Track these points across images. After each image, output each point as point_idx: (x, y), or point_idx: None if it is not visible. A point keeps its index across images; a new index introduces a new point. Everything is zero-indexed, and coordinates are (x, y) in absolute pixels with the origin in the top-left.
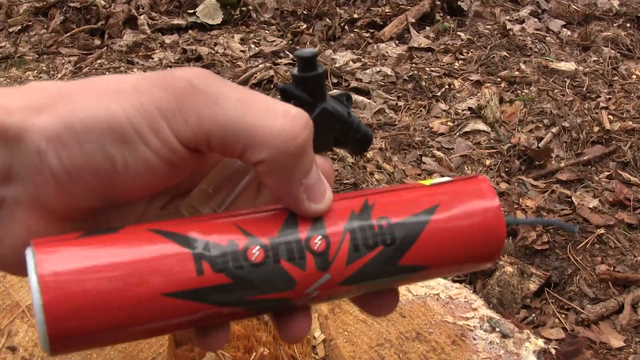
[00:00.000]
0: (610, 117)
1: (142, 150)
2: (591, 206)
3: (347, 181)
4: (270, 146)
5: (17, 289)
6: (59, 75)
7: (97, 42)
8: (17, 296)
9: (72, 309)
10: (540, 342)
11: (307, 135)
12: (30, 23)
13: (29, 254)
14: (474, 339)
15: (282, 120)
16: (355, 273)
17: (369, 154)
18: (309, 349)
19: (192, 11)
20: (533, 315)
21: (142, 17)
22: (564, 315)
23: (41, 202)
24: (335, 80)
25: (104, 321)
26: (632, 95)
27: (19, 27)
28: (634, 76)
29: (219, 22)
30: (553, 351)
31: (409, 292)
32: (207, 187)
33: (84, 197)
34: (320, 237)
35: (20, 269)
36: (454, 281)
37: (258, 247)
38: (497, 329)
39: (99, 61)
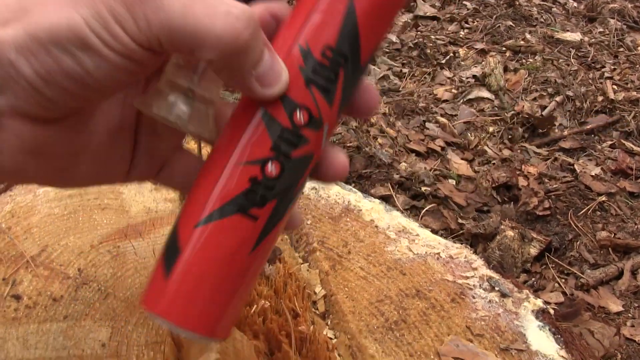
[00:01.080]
0: (615, 87)
1: (105, 52)
2: (593, 174)
3: (351, 144)
4: (215, 48)
5: (21, 240)
6: None
7: None
8: (21, 247)
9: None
10: (539, 302)
11: (249, 33)
12: None
13: (157, 319)
14: (474, 298)
15: (224, 21)
16: (340, 104)
17: (373, 119)
18: (310, 303)
19: None
20: (533, 279)
21: None
22: (563, 280)
23: (24, 109)
24: None
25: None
26: (637, 66)
27: None
28: None
29: None
30: (552, 311)
31: (410, 251)
32: (178, 61)
33: (61, 99)
34: (297, 111)
35: (19, 178)
36: (455, 241)
37: (270, 163)
38: (497, 288)
39: None
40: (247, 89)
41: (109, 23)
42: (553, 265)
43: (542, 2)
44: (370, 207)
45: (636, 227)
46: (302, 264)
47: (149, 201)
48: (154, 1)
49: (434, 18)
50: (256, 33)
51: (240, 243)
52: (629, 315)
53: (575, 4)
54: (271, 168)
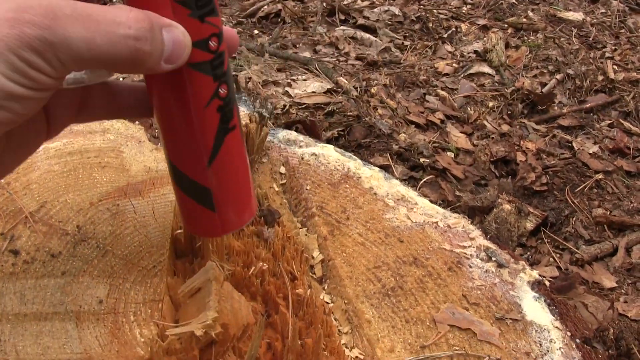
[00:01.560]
0: (615, 67)
1: (29, 94)
2: (591, 152)
3: (351, 113)
4: (123, 66)
5: (20, 195)
6: None
7: None
8: (20, 202)
9: None
10: (535, 274)
11: (150, 44)
12: None
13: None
14: (470, 267)
15: (125, 45)
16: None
17: (373, 89)
18: (307, 267)
19: None
20: (528, 253)
21: None
22: (558, 255)
23: None
24: (342, 17)
25: None
26: (638, 47)
27: None
28: None
29: None
30: (547, 283)
31: (408, 219)
32: None
33: None
34: (210, 43)
35: None
36: (453, 211)
37: (219, 89)
38: (493, 259)
39: None
40: (161, 71)
41: (26, 72)
42: (549, 240)
43: None
44: (370, 175)
45: (632, 205)
46: (300, 228)
47: (149, 160)
48: (60, 44)
49: None
50: (156, 37)
51: (240, 152)
52: (622, 291)
53: None
54: (222, 91)
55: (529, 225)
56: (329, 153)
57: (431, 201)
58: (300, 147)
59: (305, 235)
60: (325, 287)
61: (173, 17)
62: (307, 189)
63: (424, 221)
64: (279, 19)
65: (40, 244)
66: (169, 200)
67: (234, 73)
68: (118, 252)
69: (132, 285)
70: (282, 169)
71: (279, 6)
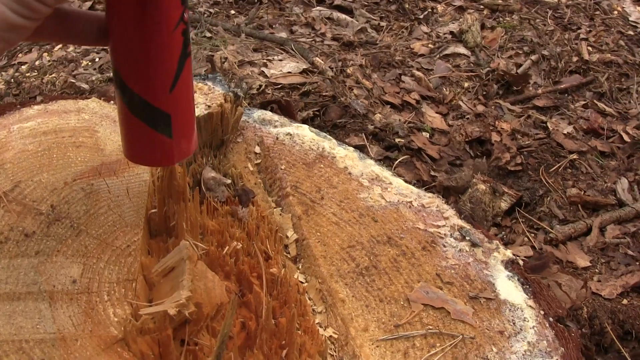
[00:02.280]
0: (590, 48)
1: (28, 25)
2: (565, 132)
3: (326, 93)
4: None
5: None
6: None
7: None
8: None
9: None
10: (509, 253)
11: None
12: None
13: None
14: (444, 246)
15: None
16: None
17: (349, 70)
18: (281, 247)
19: None
20: (503, 233)
21: None
22: (533, 235)
23: None
24: None
25: None
26: (612, 29)
27: None
28: (615, 12)
29: None
30: (521, 262)
31: (382, 198)
32: None
33: None
34: None
35: None
36: (428, 191)
37: (184, 14)
38: (467, 238)
39: None
40: None
41: (29, 2)
42: (523, 220)
43: None
44: (345, 155)
45: (606, 185)
46: (275, 208)
47: None
48: None
49: None
50: None
51: (192, 79)
52: (596, 270)
53: None
54: (186, 15)
55: (504, 205)
56: (304, 133)
57: (406, 181)
58: (275, 127)
59: (280, 214)
60: (300, 267)
61: None
62: (281, 169)
63: (398, 201)
64: (256, 0)
65: (14, 223)
66: (143, 180)
67: (210, 53)
68: (92, 231)
69: (106, 264)
70: (257, 149)
71: None
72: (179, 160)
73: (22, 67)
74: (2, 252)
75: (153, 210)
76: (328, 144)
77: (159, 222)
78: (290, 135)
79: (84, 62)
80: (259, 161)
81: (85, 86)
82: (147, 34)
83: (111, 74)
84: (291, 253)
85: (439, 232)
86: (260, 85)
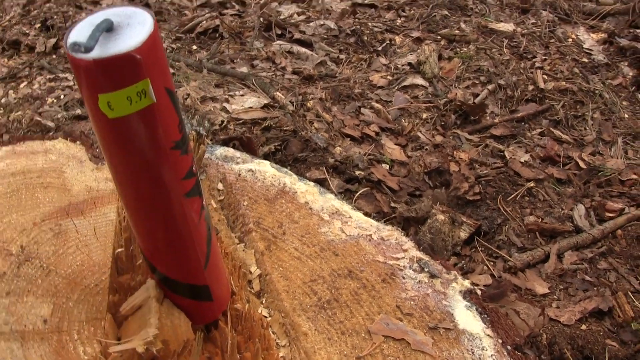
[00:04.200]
0: (545, 76)
1: None
2: (522, 160)
3: (287, 128)
4: None
5: None
6: (7, 17)
7: None
8: None
9: None
10: (467, 283)
11: None
12: None
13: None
14: (404, 278)
15: None
16: None
17: (309, 103)
18: (245, 282)
19: None
20: (463, 262)
21: None
22: (492, 263)
23: None
24: (279, 32)
25: None
26: (567, 57)
27: None
28: (570, 39)
29: None
30: (479, 292)
31: (343, 232)
32: None
33: None
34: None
35: None
36: (387, 224)
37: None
38: (426, 269)
39: (47, 5)
40: None
41: None
42: (482, 249)
43: None
44: (305, 190)
45: (563, 212)
46: (238, 244)
47: (90, 180)
48: None
49: (371, 6)
50: None
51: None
52: (555, 297)
53: None
54: (204, 202)
55: (463, 235)
56: (266, 169)
57: (366, 214)
58: (238, 163)
59: (243, 250)
60: (263, 301)
61: (172, 158)
62: (244, 205)
63: (358, 234)
64: (217, 35)
65: None
66: (109, 220)
67: None
68: (61, 271)
69: (76, 304)
70: (220, 186)
71: (217, 21)
72: (220, 312)
73: None
74: None
75: (120, 250)
76: (289, 179)
77: (125, 260)
78: (252, 171)
79: (49, 100)
80: (221, 198)
81: (51, 124)
82: (176, 233)
83: (77, 111)
84: (255, 288)
85: (398, 265)
86: (222, 121)
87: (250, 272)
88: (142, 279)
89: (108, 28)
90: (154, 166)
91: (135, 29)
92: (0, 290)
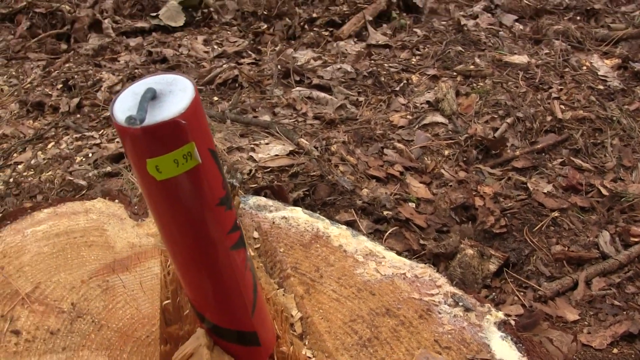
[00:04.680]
0: (562, 106)
1: None
2: (545, 191)
3: (314, 173)
4: None
5: (15, 278)
6: (29, 80)
7: (64, 46)
8: (15, 285)
9: None
10: (501, 314)
11: None
12: None
13: None
14: (440, 313)
15: None
16: None
17: (333, 147)
18: (288, 326)
19: (154, 14)
20: (493, 293)
21: (106, 20)
22: (522, 293)
23: None
24: (297, 78)
25: None
26: (583, 85)
27: None
28: (584, 67)
29: (182, 24)
30: (512, 322)
31: (378, 272)
32: None
33: None
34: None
35: None
36: (418, 262)
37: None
38: (460, 304)
39: (67, 65)
40: None
41: None
42: (512, 280)
43: (489, 26)
44: (338, 233)
45: (588, 239)
46: (277, 289)
47: (132, 236)
48: None
49: (386, 46)
50: None
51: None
52: (585, 323)
53: (521, 27)
54: (247, 254)
55: (492, 267)
56: (298, 215)
57: (398, 253)
58: (271, 211)
59: (283, 295)
60: (306, 343)
61: (218, 214)
62: (280, 252)
63: (392, 273)
64: (237, 84)
65: (39, 322)
66: (154, 273)
67: None
68: (112, 325)
69: (129, 355)
70: (255, 234)
71: (236, 71)
72: (268, 355)
73: (19, 166)
74: (32, 351)
75: (167, 301)
76: (322, 224)
77: (173, 312)
78: (286, 218)
79: (78, 158)
80: (258, 246)
81: (83, 182)
82: (224, 288)
83: (107, 169)
84: (297, 331)
85: (434, 300)
86: (251, 170)
87: (292, 316)
88: (190, 329)
89: (152, 97)
90: (201, 223)
91: (178, 95)
92: (57, 346)
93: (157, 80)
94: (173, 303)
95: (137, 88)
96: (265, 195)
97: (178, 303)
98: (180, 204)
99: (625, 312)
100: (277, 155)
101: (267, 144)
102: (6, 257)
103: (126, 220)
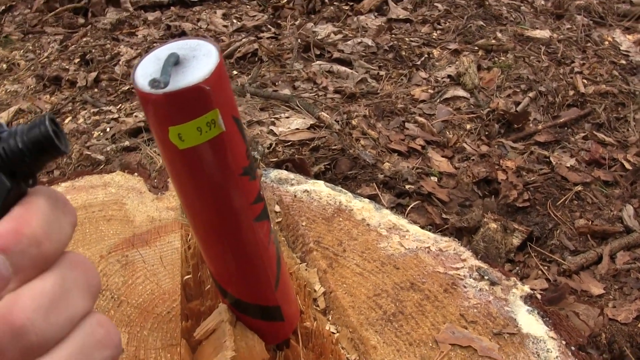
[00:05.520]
0: (585, 81)
1: None
2: (568, 165)
3: (335, 147)
4: None
5: None
6: (45, 54)
7: (81, 20)
8: None
9: None
10: (527, 288)
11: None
12: (13, 3)
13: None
14: (465, 287)
15: None
16: None
17: (354, 121)
18: (311, 301)
19: None
20: (517, 268)
21: None
22: (546, 267)
23: None
24: (317, 52)
25: None
26: (605, 60)
27: (3, 7)
28: (606, 42)
29: None
30: (539, 296)
31: (401, 246)
32: None
33: None
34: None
35: None
36: (442, 234)
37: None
38: (486, 277)
39: (84, 39)
40: None
41: None
42: (535, 254)
43: (511, 1)
44: (361, 207)
45: (612, 213)
46: (300, 263)
47: (151, 210)
48: None
49: (406, 20)
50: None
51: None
52: (610, 297)
53: (542, 2)
54: (270, 226)
55: (516, 241)
56: (320, 189)
57: (421, 227)
58: (292, 185)
59: (306, 269)
60: (330, 318)
61: (242, 184)
62: (302, 225)
63: (416, 247)
64: (256, 58)
65: None
66: (175, 248)
67: None
68: (132, 301)
69: (150, 332)
70: (277, 208)
71: (255, 45)
72: (292, 330)
73: None
74: None
75: (188, 276)
76: (344, 197)
77: (194, 287)
78: (308, 192)
79: (96, 133)
80: (280, 219)
81: (101, 157)
82: (248, 260)
83: (125, 143)
84: (320, 306)
85: (459, 274)
86: (271, 144)
87: (315, 291)
88: (211, 304)
89: (175, 62)
90: (225, 193)
91: (202, 60)
92: None
93: (180, 46)
94: (194, 278)
95: (160, 53)
96: (287, 169)
97: (199, 278)
98: (202, 173)
99: None
100: (297, 129)
101: (287, 117)
102: None
103: (145, 194)
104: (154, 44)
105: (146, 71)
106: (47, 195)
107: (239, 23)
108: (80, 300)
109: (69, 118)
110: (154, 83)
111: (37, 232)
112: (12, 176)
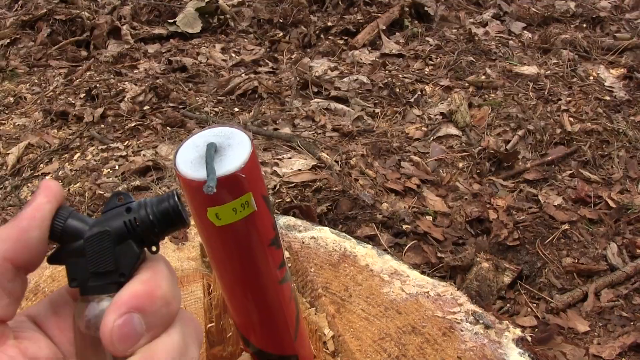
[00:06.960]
0: (571, 119)
1: None
2: (556, 204)
3: (336, 188)
4: None
5: None
6: (51, 88)
7: (84, 53)
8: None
9: None
10: (518, 331)
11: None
12: (17, 36)
13: None
14: (462, 331)
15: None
16: None
17: (352, 161)
18: (321, 344)
19: (172, 20)
20: (508, 305)
21: (124, 27)
22: (535, 304)
23: None
24: (315, 90)
25: None
26: (590, 96)
27: (7, 40)
28: (591, 77)
29: (199, 31)
30: (529, 338)
31: (403, 291)
32: None
33: None
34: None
35: None
36: (441, 280)
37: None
38: (481, 321)
39: (88, 73)
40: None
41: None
42: (525, 292)
43: (499, 35)
44: (365, 253)
45: (597, 251)
46: (309, 308)
47: (173, 260)
48: None
49: (399, 55)
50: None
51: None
52: (595, 334)
53: (529, 35)
54: (291, 285)
55: (506, 280)
56: (326, 235)
57: (415, 266)
58: (300, 231)
59: (315, 314)
60: None
61: (269, 253)
62: (311, 271)
63: (416, 292)
64: (257, 95)
65: None
66: (197, 297)
67: None
68: None
69: None
70: (287, 254)
71: (255, 82)
72: None
73: (47, 177)
74: None
75: (210, 325)
76: (349, 243)
77: (216, 334)
78: (315, 238)
79: (105, 170)
80: (289, 265)
81: None
82: (271, 316)
83: (135, 182)
84: (330, 349)
85: (456, 318)
86: (275, 186)
87: (325, 334)
88: (232, 350)
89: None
90: (254, 261)
91: (236, 149)
92: None
93: (215, 133)
94: (217, 326)
95: (197, 140)
96: (294, 215)
97: (222, 326)
98: (236, 246)
99: (632, 323)
100: (300, 170)
101: (289, 158)
102: (55, 282)
103: (167, 244)
104: (157, 80)
105: (186, 157)
106: (164, 260)
107: (237, 57)
108: (195, 351)
109: (78, 154)
110: (208, 188)
111: (167, 295)
112: (141, 244)
